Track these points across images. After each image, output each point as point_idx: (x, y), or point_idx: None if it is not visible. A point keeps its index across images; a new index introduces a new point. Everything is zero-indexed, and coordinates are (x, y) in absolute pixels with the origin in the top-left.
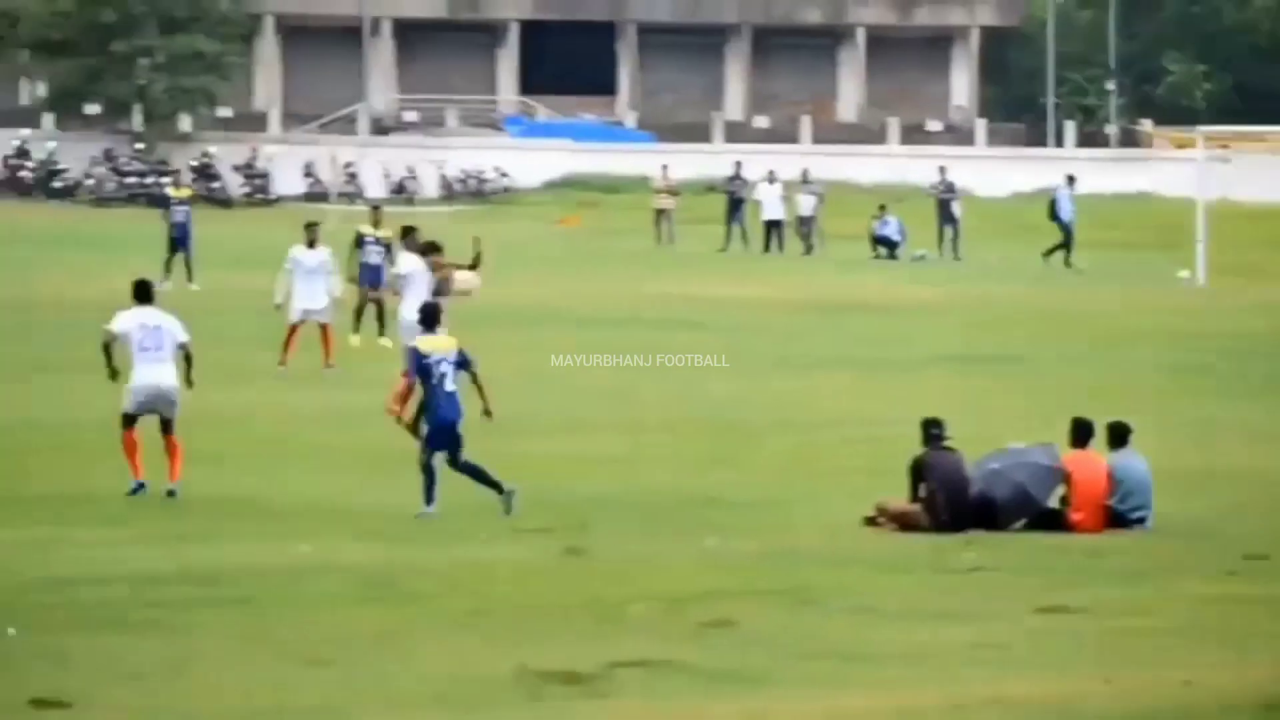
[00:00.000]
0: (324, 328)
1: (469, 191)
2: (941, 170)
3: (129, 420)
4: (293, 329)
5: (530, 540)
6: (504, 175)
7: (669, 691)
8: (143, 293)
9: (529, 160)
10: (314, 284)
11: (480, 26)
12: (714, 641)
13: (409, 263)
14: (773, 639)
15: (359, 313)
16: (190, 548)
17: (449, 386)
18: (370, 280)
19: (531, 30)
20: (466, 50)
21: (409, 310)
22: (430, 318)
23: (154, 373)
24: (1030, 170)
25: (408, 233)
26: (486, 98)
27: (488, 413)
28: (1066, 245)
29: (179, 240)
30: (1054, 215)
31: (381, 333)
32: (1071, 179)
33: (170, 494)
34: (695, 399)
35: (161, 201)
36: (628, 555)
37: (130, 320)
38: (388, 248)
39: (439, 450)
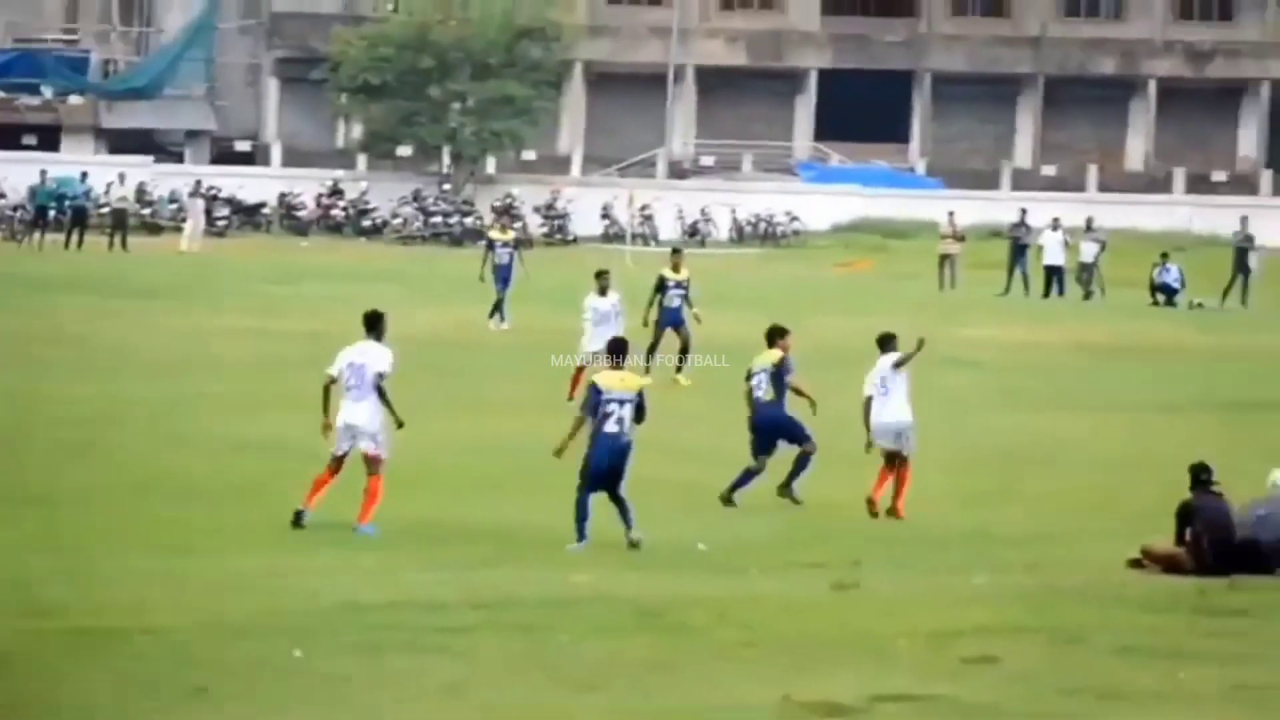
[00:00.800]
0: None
1: (759, 234)
2: (1243, 220)
3: (332, 460)
4: (580, 369)
5: (801, 574)
6: (794, 219)
7: None
8: (370, 325)
9: (819, 204)
10: (606, 329)
11: (779, 74)
12: (976, 677)
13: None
14: (1033, 676)
15: (652, 350)
16: (474, 574)
17: (611, 428)
18: (672, 321)
19: (829, 78)
20: (765, 97)
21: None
22: (616, 353)
23: (349, 410)
24: None
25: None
26: (782, 143)
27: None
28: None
29: (503, 282)
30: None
31: (679, 370)
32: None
33: (357, 531)
34: (970, 435)
35: (473, 240)
36: (896, 590)
37: (343, 359)
38: (687, 290)
39: (593, 491)
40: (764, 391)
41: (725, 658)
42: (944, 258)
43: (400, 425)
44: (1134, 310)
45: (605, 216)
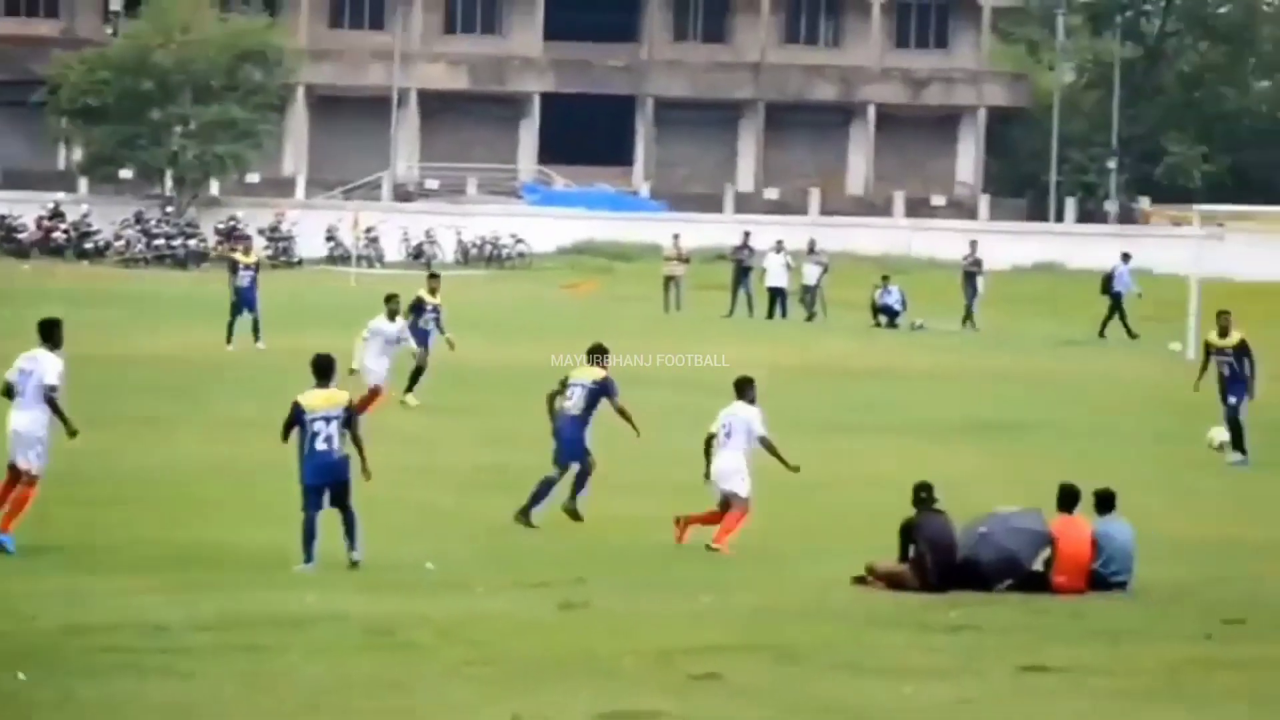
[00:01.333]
0: (378, 389)
1: (485, 257)
2: (972, 245)
3: (10, 468)
4: (375, 390)
5: (528, 594)
6: (519, 241)
7: None
8: (45, 333)
9: (544, 227)
10: (391, 352)
11: (502, 99)
12: (701, 694)
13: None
14: (758, 693)
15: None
16: (200, 596)
17: (320, 445)
18: (424, 344)
19: (552, 102)
20: (488, 121)
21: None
22: (321, 371)
23: (14, 417)
24: (1030, 244)
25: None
26: (506, 166)
27: (365, 472)
28: (1122, 316)
29: (246, 304)
30: (1107, 289)
31: (409, 390)
32: (1127, 256)
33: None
34: (696, 457)
35: (196, 262)
36: (623, 610)
37: (15, 365)
38: (439, 314)
39: (317, 510)
40: (574, 404)
41: (453, 676)
42: (669, 279)
43: (73, 434)
44: (856, 331)
45: (330, 239)
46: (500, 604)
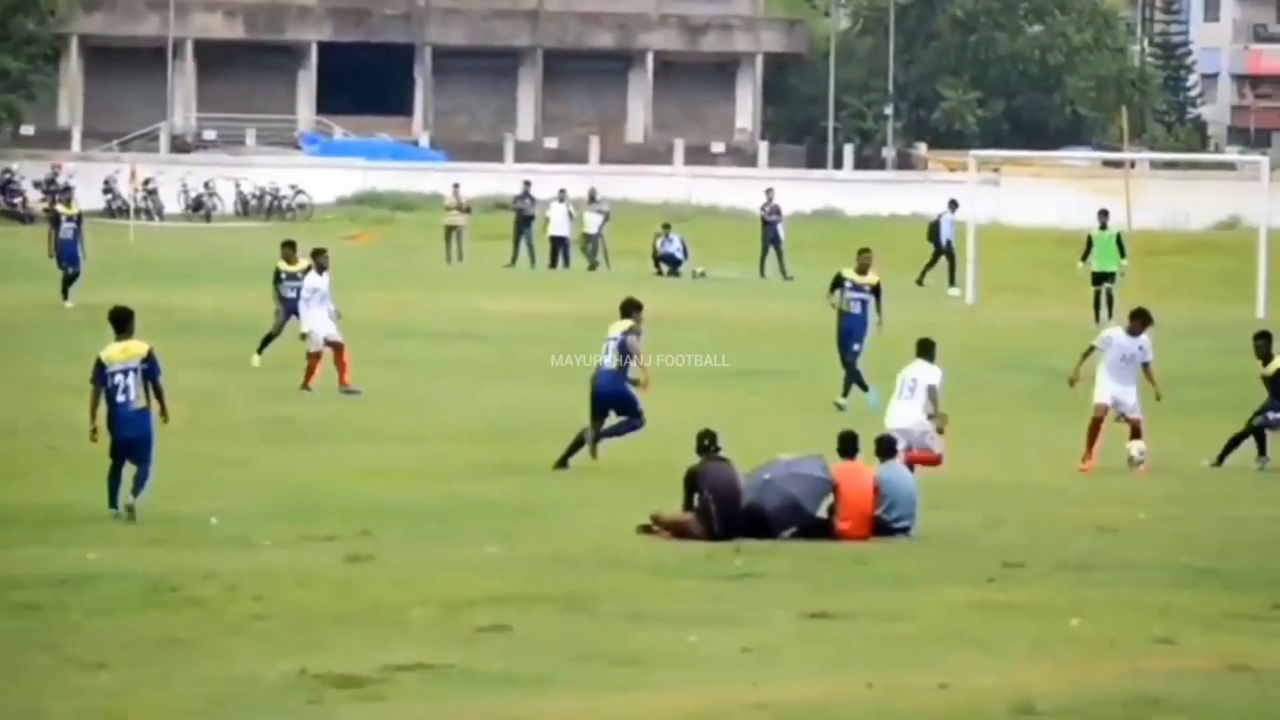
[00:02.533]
0: (342, 346)
1: (265, 208)
2: (769, 193)
3: None
4: (317, 355)
5: (315, 547)
6: (299, 192)
7: (444, 694)
8: None
9: (324, 178)
10: (324, 308)
11: (280, 48)
12: (489, 645)
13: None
14: (546, 643)
15: (270, 339)
16: None
17: (120, 398)
18: (291, 310)
19: (330, 52)
20: (266, 71)
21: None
22: (118, 323)
23: None
24: (810, 191)
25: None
26: (285, 117)
27: (164, 416)
28: (951, 265)
29: (68, 258)
30: (933, 237)
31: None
32: (954, 204)
33: None
34: (479, 407)
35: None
36: (409, 561)
37: None
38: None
39: (121, 463)
40: (608, 358)
41: (239, 632)
42: (450, 229)
43: None
44: (639, 280)
45: (108, 191)
46: (286, 558)
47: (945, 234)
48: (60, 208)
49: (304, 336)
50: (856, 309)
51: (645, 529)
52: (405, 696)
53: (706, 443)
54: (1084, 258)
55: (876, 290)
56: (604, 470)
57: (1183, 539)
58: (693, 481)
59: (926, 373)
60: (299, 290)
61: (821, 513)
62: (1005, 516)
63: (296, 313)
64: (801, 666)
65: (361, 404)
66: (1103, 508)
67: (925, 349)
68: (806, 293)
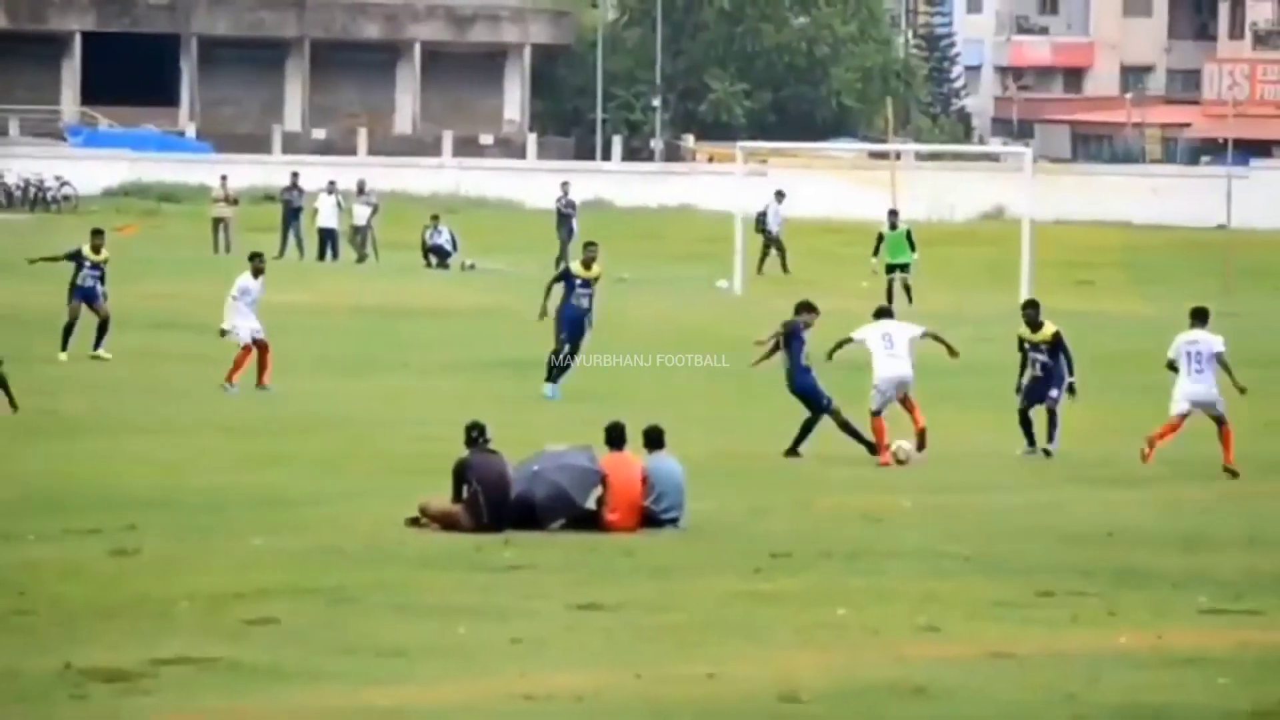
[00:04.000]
0: (267, 346)
1: (29, 199)
2: (564, 186)
3: None
4: (246, 349)
5: (78, 540)
6: (65, 184)
7: (210, 688)
8: None
9: (90, 169)
10: (255, 310)
11: (43, 37)
12: (256, 638)
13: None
14: (312, 635)
15: (70, 329)
16: None
17: None
18: (86, 298)
19: (94, 41)
20: (29, 61)
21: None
22: None
23: None
24: (578, 183)
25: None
26: (49, 108)
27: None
28: (781, 254)
29: None
30: (761, 227)
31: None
32: (780, 194)
33: None
34: (246, 399)
35: None
36: (175, 555)
37: None
38: (103, 268)
39: None
40: (802, 358)
41: (1, 627)
42: (217, 221)
43: None
44: (408, 272)
45: None
46: (49, 551)
47: (773, 224)
48: None
49: (224, 334)
50: (585, 303)
51: (414, 521)
52: (172, 690)
53: (475, 434)
54: (875, 253)
55: (596, 280)
56: (368, 461)
57: (946, 527)
58: (461, 473)
59: (1207, 340)
60: (99, 279)
61: (590, 504)
62: (772, 505)
63: (90, 300)
64: (570, 657)
65: (126, 396)
66: (869, 495)
67: (1200, 316)
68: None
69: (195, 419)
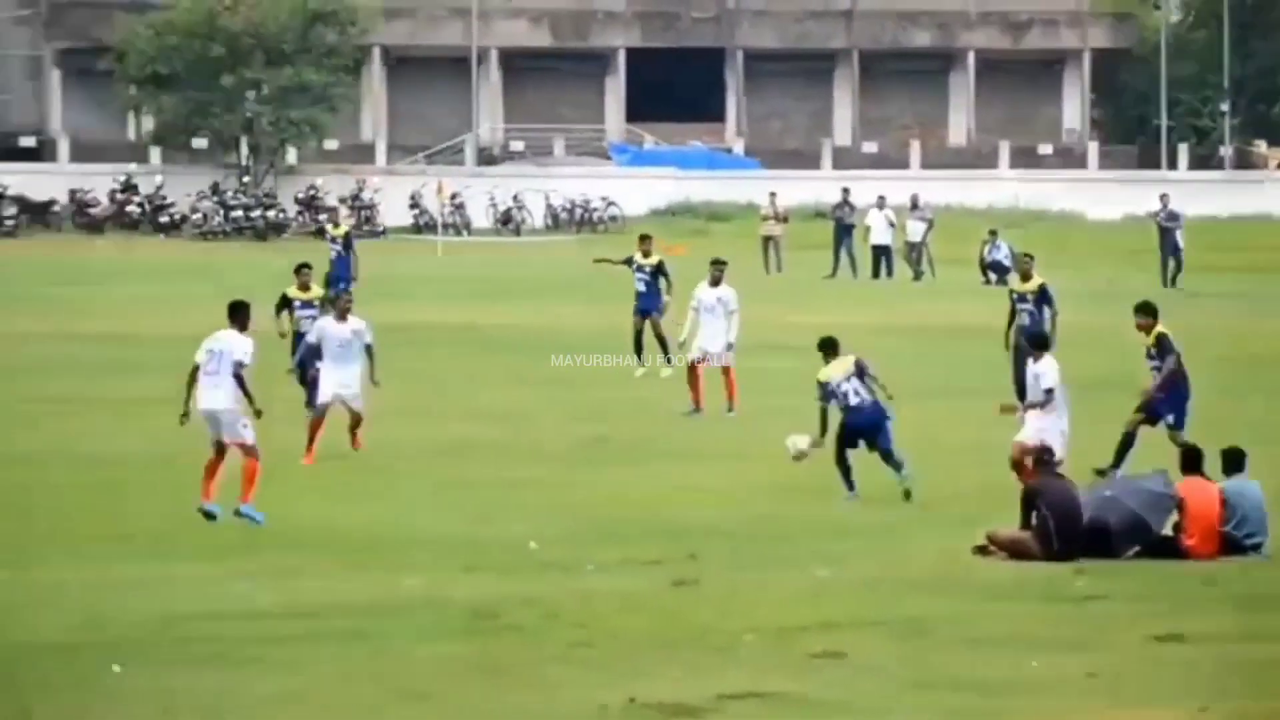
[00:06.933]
0: (727, 370)
1: (575, 220)
2: (1163, 198)
3: (215, 445)
4: (694, 365)
5: (638, 571)
6: (611, 204)
7: None
8: (232, 313)
9: (635, 188)
10: (719, 323)
11: (587, 55)
12: (824, 672)
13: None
14: (883, 669)
15: (639, 340)
16: (297, 582)
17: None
18: (642, 309)
19: (638, 58)
20: (573, 79)
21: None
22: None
23: (205, 396)
24: (1143, 193)
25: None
26: (593, 126)
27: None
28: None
29: (337, 278)
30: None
31: (668, 361)
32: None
33: (237, 513)
34: (800, 424)
35: (277, 234)
36: (736, 585)
37: (204, 347)
38: (654, 275)
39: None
40: (862, 394)
41: (563, 660)
42: (767, 240)
43: (259, 414)
44: (966, 289)
45: (414, 206)
46: (609, 583)
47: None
48: (329, 228)
49: (682, 345)
50: (1025, 319)
51: (981, 549)
52: None
53: (1045, 458)
54: None
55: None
56: (934, 489)
57: None
58: (1031, 499)
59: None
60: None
61: (1166, 530)
62: None
63: (646, 314)
64: (1151, 692)
65: (676, 422)
66: None
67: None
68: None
69: (743, 445)
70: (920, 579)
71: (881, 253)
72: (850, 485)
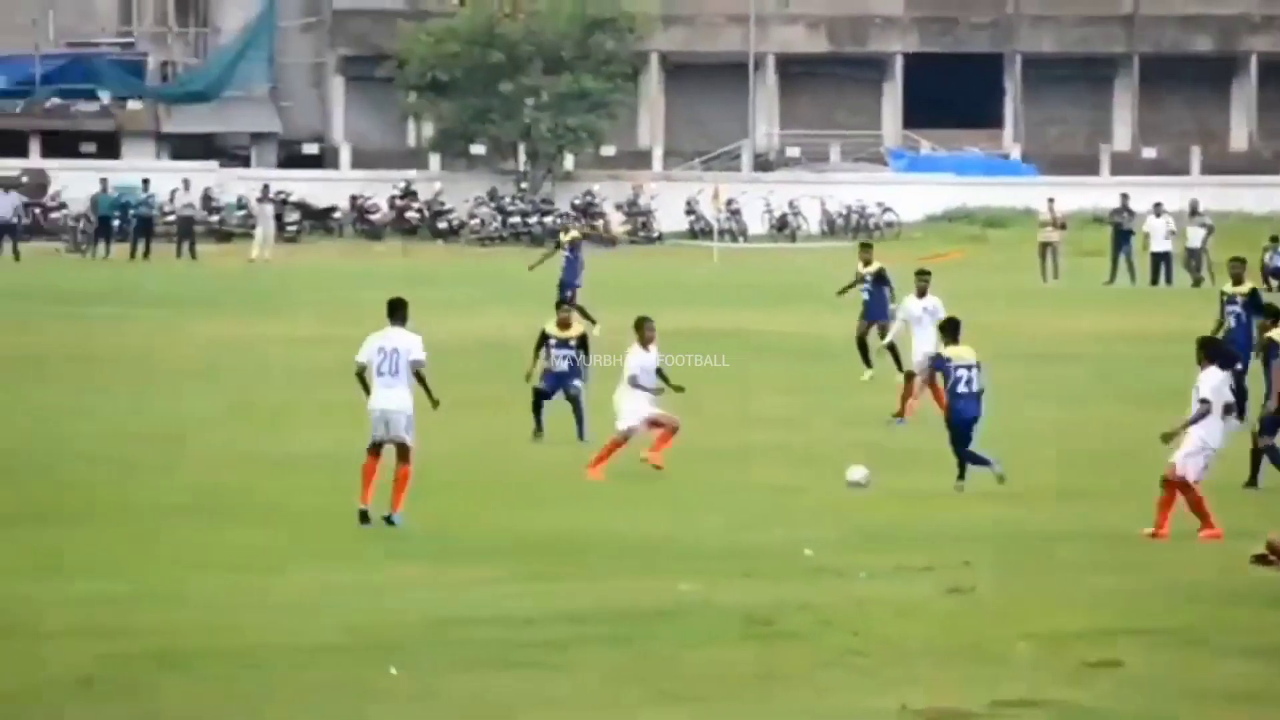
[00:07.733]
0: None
1: (851, 227)
2: None
3: (372, 447)
4: (910, 377)
5: (912, 578)
6: (887, 210)
7: None
8: (393, 311)
9: (912, 194)
10: (927, 332)
11: (864, 60)
12: (1099, 681)
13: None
14: (1159, 679)
15: (863, 344)
16: (559, 586)
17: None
18: (869, 316)
19: (915, 63)
20: (850, 84)
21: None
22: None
23: (380, 395)
24: None
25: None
26: (870, 132)
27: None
28: None
29: (565, 283)
30: None
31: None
32: None
33: (388, 520)
34: (1077, 431)
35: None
36: (1011, 593)
37: (371, 346)
38: (876, 283)
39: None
40: (973, 385)
41: (835, 666)
42: (1045, 246)
43: (436, 405)
44: None
45: (690, 212)
46: (883, 589)
47: None
48: (561, 235)
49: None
50: (1232, 322)
51: (1260, 558)
52: None
53: None
54: None
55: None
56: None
57: None
58: None
59: None
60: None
61: None
62: None
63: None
64: None
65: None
66: None
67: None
68: None
69: (1015, 453)
70: (1197, 587)
71: (1161, 259)
72: (962, 474)
